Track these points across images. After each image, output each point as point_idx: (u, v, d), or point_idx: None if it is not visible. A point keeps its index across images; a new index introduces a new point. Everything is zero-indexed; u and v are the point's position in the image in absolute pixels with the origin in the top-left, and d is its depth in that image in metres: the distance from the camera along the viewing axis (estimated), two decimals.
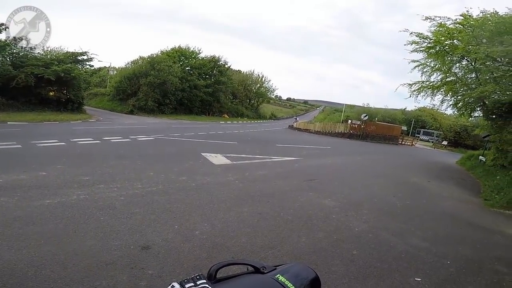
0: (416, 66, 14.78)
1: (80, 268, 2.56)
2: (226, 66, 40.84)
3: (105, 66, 41.23)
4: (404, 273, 3.23)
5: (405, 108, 49.93)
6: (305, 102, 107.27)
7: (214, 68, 38.95)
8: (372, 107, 50.32)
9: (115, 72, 39.21)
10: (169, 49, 37.54)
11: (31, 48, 20.89)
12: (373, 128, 28.74)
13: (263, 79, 50.80)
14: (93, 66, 28.77)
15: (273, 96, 67.03)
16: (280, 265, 0.84)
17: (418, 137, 43.80)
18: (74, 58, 22.83)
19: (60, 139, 9.17)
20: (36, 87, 19.27)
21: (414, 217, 5.68)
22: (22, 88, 18.53)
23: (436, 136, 41.97)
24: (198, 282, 0.66)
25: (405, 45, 14.19)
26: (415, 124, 47.40)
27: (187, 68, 36.71)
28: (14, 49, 20.18)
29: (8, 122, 13.86)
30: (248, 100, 50.34)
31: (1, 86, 17.61)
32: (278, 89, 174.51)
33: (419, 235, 4.54)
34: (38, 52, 21.92)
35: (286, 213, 4.67)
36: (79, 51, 23.15)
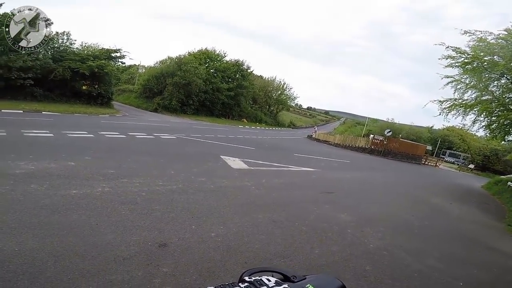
0: (450, 82, 14.01)
1: (98, 261, 2.63)
2: (249, 70, 41.17)
3: (135, 64, 42.96)
4: None
5: (432, 126, 47.37)
6: (326, 112, 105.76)
7: (237, 72, 39.25)
8: (397, 122, 48.21)
9: (144, 70, 40.55)
10: (196, 50, 38.20)
11: (70, 43, 22.16)
12: (396, 145, 27.72)
13: (285, 86, 50.47)
14: (124, 63, 30.03)
15: (293, 104, 66.32)
16: (308, 275, 0.86)
17: (443, 158, 41.74)
18: (108, 55, 23.95)
19: (89, 131, 9.67)
20: (71, 81, 20.40)
21: (432, 238, 5.55)
22: (58, 81, 19.71)
23: (463, 159, 39.96)
24: None
25: (439, 59, 13.53)
26: (441, 144, 45.26)
27: (211, 70, 37.25)
28: (56, 44, 21.50)
29: (43, 112, 14.78)
30: (267, 106, 50.26)
31: (40, 78, 18.73)
32: (299, 97, 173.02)
33: (435, 256, 4.46)
34: (77, 48, 23.23)
35: (300, 223, 4.65)
36: (113, 48, 24.26)
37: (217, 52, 39.24)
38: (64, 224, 3.19)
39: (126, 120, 17.76)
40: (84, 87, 21.98)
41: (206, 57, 37.96)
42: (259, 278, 0.76)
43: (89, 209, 3.67)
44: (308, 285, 0.79)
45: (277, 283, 0.74)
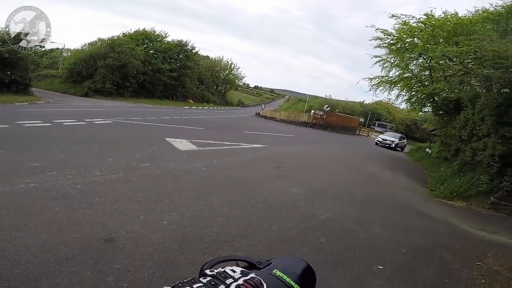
0: (378, 62, 15.70)
1: (35, 264, 2.32)
2: (194, 51, 39.31)
3: (58, 48, 37.19)
4: (368, 261, 3.40)
5: (364, 101, 52.67)
6: (272, 90, 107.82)
7: (181, 53, 37.23)
8: (334, 98, 52.23)
9: (69, 54, 35.54)
10: (132, 31, 34.93)
11: None
12: (334, 118, 30.07)
13: (232, 66, 49.78)
14: (44, 47, 25.79)
15: (241, 83, 66.11)
16: (273, 259, 0.85)
17: (374, 128, 46.64)
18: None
19: (2, 122, 8.09)
20: None
21: (373, 206, 6.08)
22: None
23: (389, 128, 45.15)
24: (194, 286, 0.61)
25: (370, 40, 14.97)
26: (371, 116, 50.30)
27: (151, 51, 34.54)
28: None
29: None
30: (215, 86, 49.17)
31: None
32: (247, 76, 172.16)
33: (378, 223, 4.84)
34: None
35: (256, 201, 4.68)
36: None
37: (157, 32, 36.50)
38: None
39: (50, 107, 15.49)
40: None
41: (144, 38, 35.02)
42: (222, 269, 0.69)
43: (12, 208, 3.10)
44: (275, 270, 0.77)
45: (243, 273, 0.68)
